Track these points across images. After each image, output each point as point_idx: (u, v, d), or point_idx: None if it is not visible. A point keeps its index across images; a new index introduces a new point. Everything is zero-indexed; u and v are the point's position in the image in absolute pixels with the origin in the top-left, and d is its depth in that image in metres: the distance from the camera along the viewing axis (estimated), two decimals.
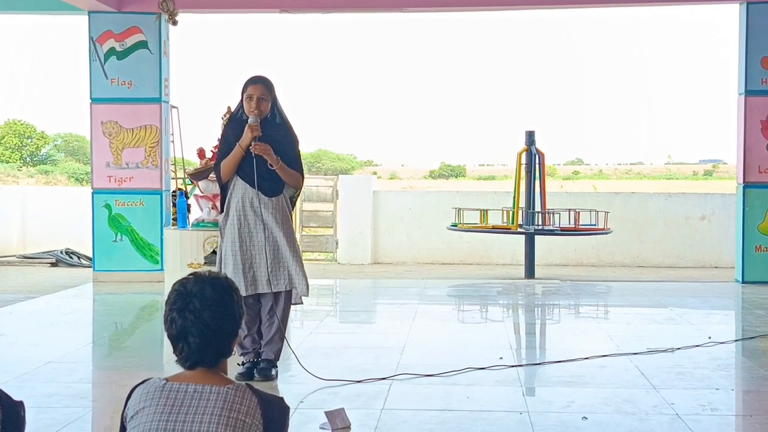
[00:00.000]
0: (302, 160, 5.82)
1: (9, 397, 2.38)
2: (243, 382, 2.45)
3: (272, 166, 5.56)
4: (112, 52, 10.64)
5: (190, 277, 2.47)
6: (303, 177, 5.80)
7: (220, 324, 2.42)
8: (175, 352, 2.44)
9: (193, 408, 2.35)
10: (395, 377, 5.68)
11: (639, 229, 13.37)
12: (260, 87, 5.60)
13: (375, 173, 37.77)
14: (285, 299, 5.68)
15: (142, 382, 2.45)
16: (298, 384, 5.54)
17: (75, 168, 47.90)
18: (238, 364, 5.68)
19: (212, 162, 8.26)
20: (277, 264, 5.60)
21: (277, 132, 5.64)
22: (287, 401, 2.53)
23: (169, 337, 2.44)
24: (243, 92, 5.64)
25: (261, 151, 5.51)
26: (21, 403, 2.41)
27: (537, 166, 11.45)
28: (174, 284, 2.48)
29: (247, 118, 5.58)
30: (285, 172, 5.63)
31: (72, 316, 8.49)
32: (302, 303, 5.81)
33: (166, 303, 2.47)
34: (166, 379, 2.42)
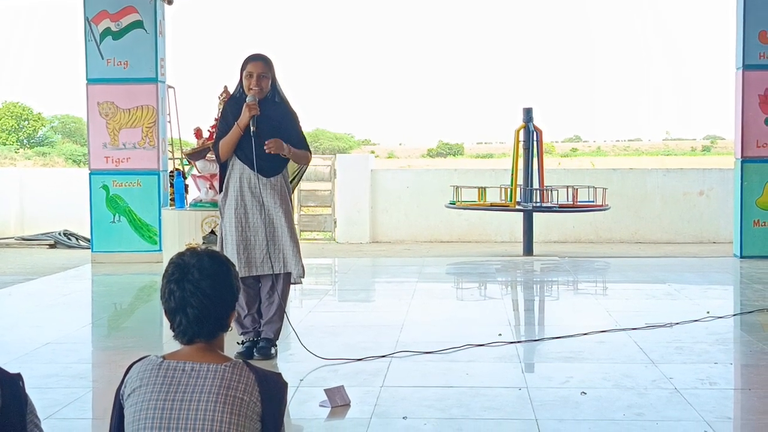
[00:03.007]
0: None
1: (5, 371, 2.35)
2: (240, 360, 2.44)
3: (285, 156, 5.57)
4: (107, 32, 10.59)
5: (187, 251, 2.47)
6: (310, 152, 5.90)
7: (219, 293, 2.40)
8: (172, 327, 2.43)
9: (190, 387, 2.34)
10: (394, 355, 5.69)
11: (637, 205, 13.36)
12: (260, 64, 5.57)
13: (373, 152, 37.71)
14: (284, 279, 5.67)
15: (139, 360, 2.44)
16: (298, 362, 5.55)
17: (72, 149, 47.81)
18: (238, 343, 5.69)
19: (209, 142, 8.26)
20: (273, 246, 5.58)
21: (277, 111, 5.61)
22: (287, 379, 2.52)
23: (166, 311, 2.43)
24: (242, 70, 5.59)
25: (275, 149, 5.47)
26: (19, 375, 2.38)
27: (535, 143, 11.45)
28: (171, 258, 2.47)
29: (247, 97, 5.55)
30: (295, 156, 5.68)
31: (71, 297, 8.50)
32: (301, 282, 5.82)
33: (163, 277, 2.45)
34: (163, 357, 2.41)
